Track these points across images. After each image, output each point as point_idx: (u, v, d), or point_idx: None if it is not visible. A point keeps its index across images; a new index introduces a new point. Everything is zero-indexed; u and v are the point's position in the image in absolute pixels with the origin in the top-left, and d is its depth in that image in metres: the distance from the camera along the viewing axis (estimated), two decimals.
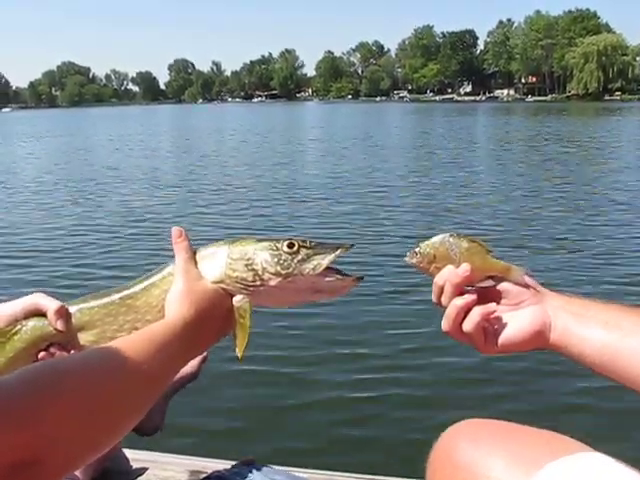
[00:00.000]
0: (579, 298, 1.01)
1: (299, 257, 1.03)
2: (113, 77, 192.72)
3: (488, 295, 1.02)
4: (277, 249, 1.04)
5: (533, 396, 3.93)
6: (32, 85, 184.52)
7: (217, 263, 1.06)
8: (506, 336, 1.00)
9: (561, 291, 1.03)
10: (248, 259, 1.04)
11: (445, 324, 1.02)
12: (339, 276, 1.04)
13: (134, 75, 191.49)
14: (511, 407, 3.70)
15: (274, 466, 1.35)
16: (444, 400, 3.84)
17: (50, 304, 1.06)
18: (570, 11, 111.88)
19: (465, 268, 1.01)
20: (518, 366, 4.20)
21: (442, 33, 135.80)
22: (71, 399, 0.75)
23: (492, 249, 1.03)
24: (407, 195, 11.34)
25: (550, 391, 3.97)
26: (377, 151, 20.65)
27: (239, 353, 1.04)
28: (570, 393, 3.89)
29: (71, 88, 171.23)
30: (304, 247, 1.04)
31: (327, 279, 1.04)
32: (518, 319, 1.00)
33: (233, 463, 1.38)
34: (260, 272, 1.03)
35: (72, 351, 1.07)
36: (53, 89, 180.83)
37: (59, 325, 1.05)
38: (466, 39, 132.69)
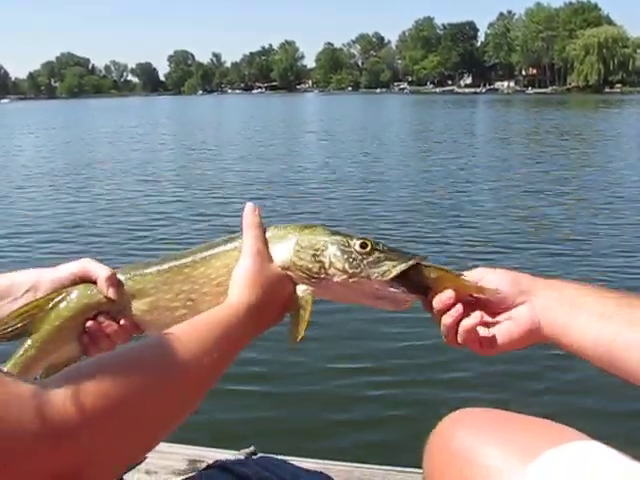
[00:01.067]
0: (574, 288, 0.98)
1: (370, 259, 0.99)
2: (112, 68, 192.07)
3: (475, 304, 1.02)
4: (349, 246, 1.00)
5: (531, 386, 3.94)
6: (31, 76, 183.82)
7: (286, 248, 1.02)
8: (499, 339, 1.01)
9: (556, 277, 1.02)
10: (317, 249, 1.00)
11: (444, 339, 1.03)
12: (404, 289, 0.99)
13: (134, 66, 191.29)
14: (509, 397, 3.72)
15: (275, 456, 1.33)
16: (442, 390, 3.85)
17: (100, 271, 1.02)
18: (571, 3, 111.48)
19: (448, 295, 0.99)
20: (515, 356, 4.20)
21: (442, 25, 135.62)
22: (121, 410, 0.70)
23: (461, 273, 1.02)
24: (405, 193, 11.08)
25: (547, 381, 3.99)
26: (376, 145, 20.56)
27: (293, 343, 1.01)
28: (567, 382, 3.90)
29: (70, 79, 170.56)
30: (377, 250, 1.00)
31: (391, 289, 0.99)
32: (506, 322, 1.01)
33: (234, 453, 1.36)
34: (327, 265, 1.00)
35: (122, 321, 1.02)
36: (52, 80, 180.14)
37: (110, 293, 1.00)
38: (466, 31, 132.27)
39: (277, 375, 4.11)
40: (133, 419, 0.72)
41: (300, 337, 1.01)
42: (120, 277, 1.03)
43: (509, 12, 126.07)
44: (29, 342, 0.99)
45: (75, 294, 1.02)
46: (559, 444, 0.82)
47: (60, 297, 1.01)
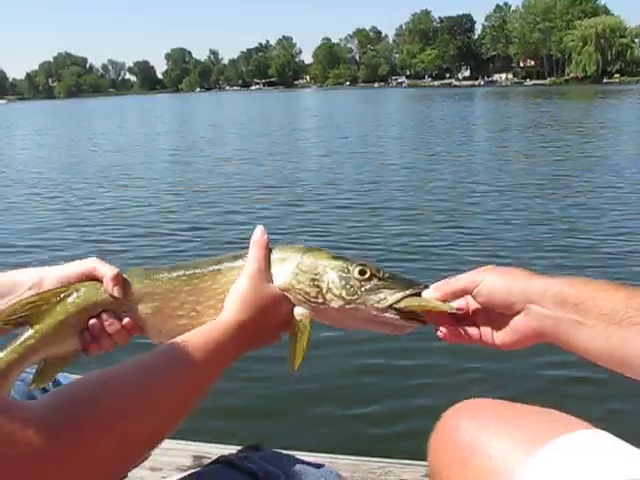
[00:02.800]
0: (578, 290, 0.89)
1: (368, 286, 0.99)
2: (110, 67, 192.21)
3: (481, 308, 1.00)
4: (348, 272, 1.00)
5: (534, 375, 3.92)
6: (29, 76, 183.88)
7: (286, 270, 1.03)
8: (499, 344, 1.00)
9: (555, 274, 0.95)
10: (316, 274, 1.01)
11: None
12: (401, 315, 0.99)
13: (131, 65, 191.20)
14: (512, 387, 3.71)
15: (280, 450, 1.32)
16: (447, 382, 3.83)
17: (107, 269, 1.04)
18: None
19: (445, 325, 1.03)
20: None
21: (439, 18, 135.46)
22: (110, 424, 0.72)
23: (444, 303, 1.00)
24: (408, 195, 10.51)
25: (551, 370, 3.96)
26: (376, 143, 20.11)
27: (292, 369, 1.02)
28: (571, 372, 3.87)
29: (68, 79, 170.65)
30: (376, 276, 1.00)
31: (388, 316, 0.99)
32: (505, 329, 0.99)
33: (238, 448, 1.34)
34: (324, 291, 1.00)
35: (125, 319, 1.04)
36: (50, 80, 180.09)
37: (115, 292, 1.02)
38: (463, 23, 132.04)
39: (281, 370, 4.08)
40: (123, 438, 0.74)
41: (298, 364, 1.02)
42: (128, 279, 1.05)
43: (505, 4, 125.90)
44: (30, 332, 1.00)
45: (83, 291, 1.03)
46: (564, 433, 0.82)
47: (67, 292, 1.03)
